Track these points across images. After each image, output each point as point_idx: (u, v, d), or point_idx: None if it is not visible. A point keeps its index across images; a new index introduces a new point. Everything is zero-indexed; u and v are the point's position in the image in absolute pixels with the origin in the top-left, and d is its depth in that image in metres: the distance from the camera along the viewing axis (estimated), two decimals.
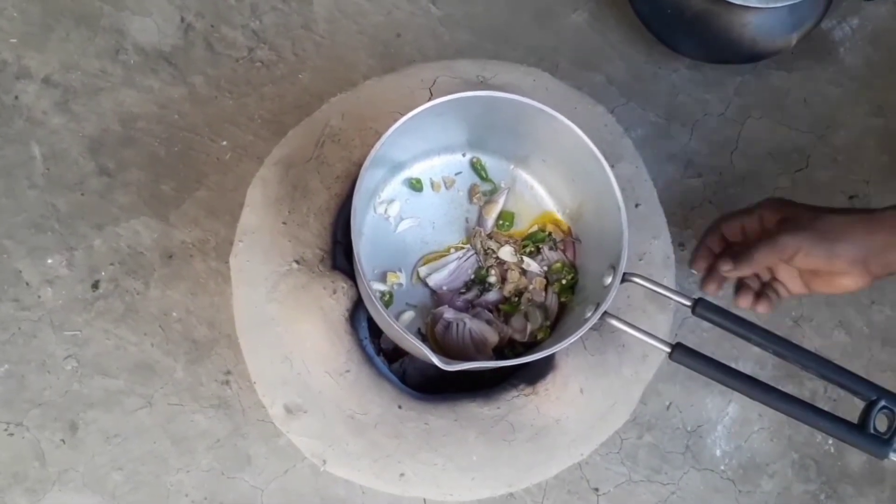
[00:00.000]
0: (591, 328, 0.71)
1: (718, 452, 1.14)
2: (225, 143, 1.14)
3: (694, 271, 0.87)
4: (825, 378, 0.69)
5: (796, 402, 0.66)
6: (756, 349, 0.74)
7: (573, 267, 0.87)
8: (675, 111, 1.22)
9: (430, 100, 0.73)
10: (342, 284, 0.80)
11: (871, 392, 0.66)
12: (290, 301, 0.80)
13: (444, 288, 0.85)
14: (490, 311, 0.85)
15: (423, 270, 0.85)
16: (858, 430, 0.64)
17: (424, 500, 1.05)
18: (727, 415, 1.15)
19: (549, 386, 0.79)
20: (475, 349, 0.80)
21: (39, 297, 1.08)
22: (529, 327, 0.83)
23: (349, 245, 0.88)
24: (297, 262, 0.82)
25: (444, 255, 0.87)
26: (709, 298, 0.74)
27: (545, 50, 1.23)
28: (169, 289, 1.09)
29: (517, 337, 0.83)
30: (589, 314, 0.73)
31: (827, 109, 1.25)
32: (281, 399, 0.80)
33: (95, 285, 1.09)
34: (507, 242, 0.87)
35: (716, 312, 0.72)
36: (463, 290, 0.86)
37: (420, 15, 1.21)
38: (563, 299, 0.86)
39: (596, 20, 1.25)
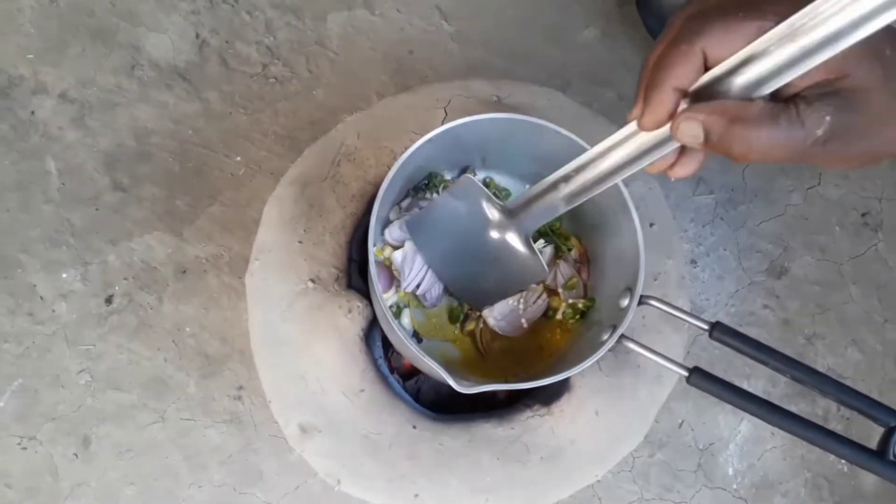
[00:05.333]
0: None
1: (731, 471, 1.13)
2: (239, 158, 1.14)
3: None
4: (843, 403, 0.68)
5: (814, 427, 0.66)
6: None
7: (585, 287, 0.87)
8: None
9: (444, 120, 0.73)
10: (357, 304, 0.80)
11: (890, 418, 0.66)
12: (306, 321, 0.80)
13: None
14: None
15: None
16: (878, 458, 0.63)
17: None
18: (739, 433, 1.14)
19: (565, 407, 0.79)
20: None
21: (54, 311, 1.09)
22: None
23: (364, 263, 0.88)
24: (312, 281, 0.82)
25: None
26: (726, 318, 0.73)
27: (557, 66, 1.23)
28: (182, 304, 1.10)
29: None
30: (605, 337, 0.72)
31: None
32: (296, 418, 0.80)
33: (109, 300, 1.09)
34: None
35: (733, 336, 0.71)
36: None
37: (433, 32, 1.22)
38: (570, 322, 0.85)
39: (607, 37, 1.25)
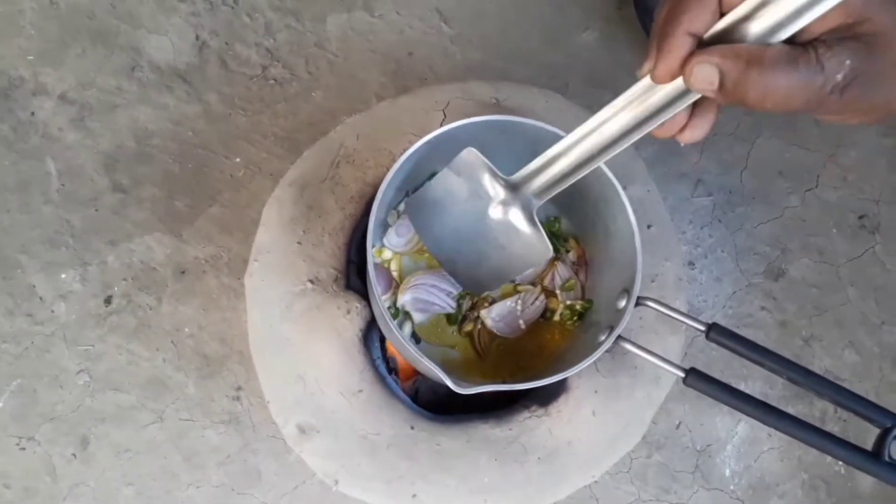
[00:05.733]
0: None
1: (728, 472, 1.14)
2: (238, 160, 1.15)
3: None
4: (839, 404, 0.68)
5: (811, 428, 0.66)
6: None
7: (582, 289, 0.87)
8: None
9: (443, 122, 0.73)
10: (356, 304, 0.80)
11: (885, 419, 0.66)
12: (305, 321, 0.81)
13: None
14: None
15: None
16: (873, 458, 0.64)
17: None
18: (736, 434, 1.15)
19: (562, 408, 0.80)
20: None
21: (53, 311, 1.09)
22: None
23: (363, 264, 0.89)
24: (311, 281, 0.83)
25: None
26: (723, 319, 0.73)
27: (556, 68, 1.24)
28: (181, 304, 1.10)
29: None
30: (603, 338, 0.73)
31: (837, 129, 1.25)
32: (294, 419, 0.80)
33: (108, 300, 1.10)
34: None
35: (729, 337, 0.72)
36: None
37: (432, 34, 1.22)
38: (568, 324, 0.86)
39: (606, 39, 1.26)
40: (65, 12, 1.17)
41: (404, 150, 0.72)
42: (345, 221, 0.86)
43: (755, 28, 0.38)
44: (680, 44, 0.40)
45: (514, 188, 0.66)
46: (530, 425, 0.81)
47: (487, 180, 0.67)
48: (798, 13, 0.37)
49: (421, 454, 0.80)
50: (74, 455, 1.05)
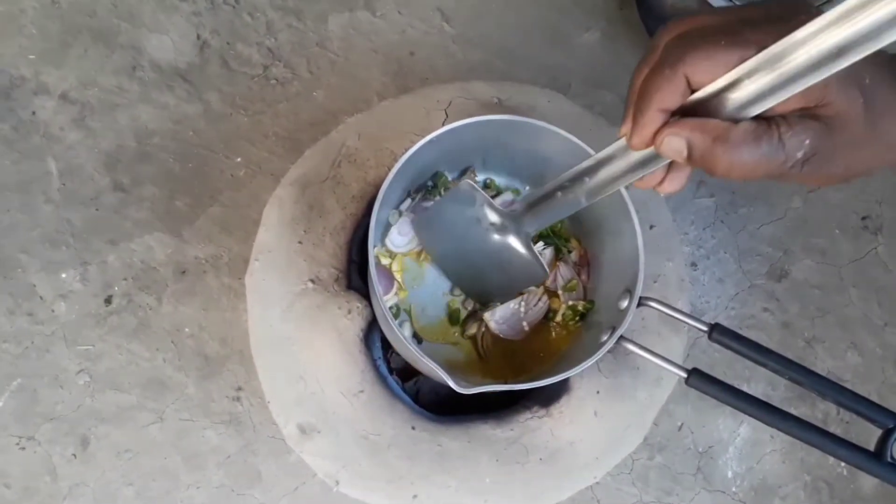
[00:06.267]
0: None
1: (730, 474, 1.13)
2: (239, 159, 1.15)
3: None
4: (841, 405, 0.68)
5: (813, 428, 0.66)
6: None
7: (584, 289, 0.87)
8: None
9: (445, 121, 0.73)
10: (357, 304, 0.80)
11: (888, 420, 0.66)
12: (306, 321, 0.80)
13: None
14: None
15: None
16: (876, 459, 0.64)
17: None
18: (739, 436, 1.14)
19: (564, 408, 0.79)
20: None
21: (53, 311, 1.09)
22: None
23: (364, 264, 0.89)
24: (312, 281, 0.82)
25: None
26: (726, 321, 0.73)
27: (557, 69, 1.23)
28: (181, 304, 1.10)
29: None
30: (605, 338, 0.72)
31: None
32: (295, 419, 0.80)
33: (109, 300, 1.09)
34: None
35: (732, 337, 0.71)
36: None
37: (434, 34, 1.22)
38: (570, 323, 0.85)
39: (608, 39, 1.26)
40: (66, 12, 1.17)
41: (406, 150, 0.72)
42: (346, 221, 0.86)
43: (722, 104, 0.41)
44: (652, 118, 0.43)
45: (508, 218, 0.72)
46: (532, 426, 0.80)
47: (486, 209, 0.73)
48: (759, 97, 0.39)
49: (422, 455, 0.79)
50: (74, 455, 1.05)
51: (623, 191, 0.75)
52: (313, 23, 1.21)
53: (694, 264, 1.17)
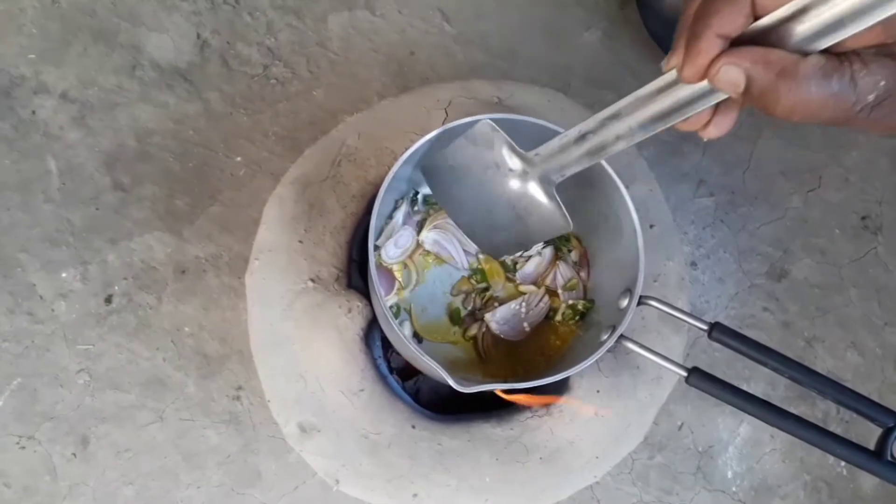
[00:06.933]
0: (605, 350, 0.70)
1: (730, 474, 1.13)
2: (239, 159, 1.15)
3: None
4: (841, 403, 0.68)
5: (813, 427, 0.66)
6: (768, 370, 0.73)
7: (584, 288, 0.87)
8: None
9: (445, 120, 0.73)
10: (357, 303, 0.80)
11: (888, 418, 0.66)
12: (306, 320, 0.80)
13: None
14: None
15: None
16: (876, 458, 0.64)
17: None
18: (739, 435, 1.14)
19: (564, 407, 0.79)
20: None
21: (53, 310, 1.08)
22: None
23: (364, 263, 0.89)
24: (312, 280, 0.82)
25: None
26: (726, 320, 0.73)
27: (558, 69, 1.23)
28: (181, 304, 1.10)
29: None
30: (605, 337, 0.72)
31: (839, 130, 1.25)
32: (295, 418, 0.80)
33: (109, 299, 1.09)
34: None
35: (732, 336, 0.71)
36: None
37: (434, 33, 1.22)
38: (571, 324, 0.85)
39: (609, 39, 1.26)
40: (66, 11, 1.17)
41: (406, 149, 0.72)
42: (346, 220, 0.86)
43: (790, 34, 0.37)
44: (709, 45, 0.38)
45: (532, 163, 0.64)
46: (532, 425, 0.80)
47: (505, 153, 0.66)
48: (839, 24, 0.35)
49: (422, 453, 0.79)
50: (74, 454, 1.05)
51: (623, 190, 0.75)
52: (313, 22, 1.21)
53: (694, 264, 1.17)
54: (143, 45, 1.18)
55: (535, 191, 0.66)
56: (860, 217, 1.24)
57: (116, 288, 1.10)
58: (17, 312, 1.08)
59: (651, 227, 0.89)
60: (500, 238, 0.73)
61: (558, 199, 0.65)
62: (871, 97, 0.35)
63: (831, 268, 1.23)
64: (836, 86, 0.35)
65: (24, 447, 1.05)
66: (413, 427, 0.80)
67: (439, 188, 0.73)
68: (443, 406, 0.87)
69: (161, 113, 1.16)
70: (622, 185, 0.75)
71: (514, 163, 0.66)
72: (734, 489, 1.13)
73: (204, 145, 1.15)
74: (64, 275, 1.09)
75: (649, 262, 0.86)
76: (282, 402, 0.81)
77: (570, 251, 0.89)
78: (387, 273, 0.84)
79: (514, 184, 0.67)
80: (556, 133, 0.75)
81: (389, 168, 0.73)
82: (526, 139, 0.78)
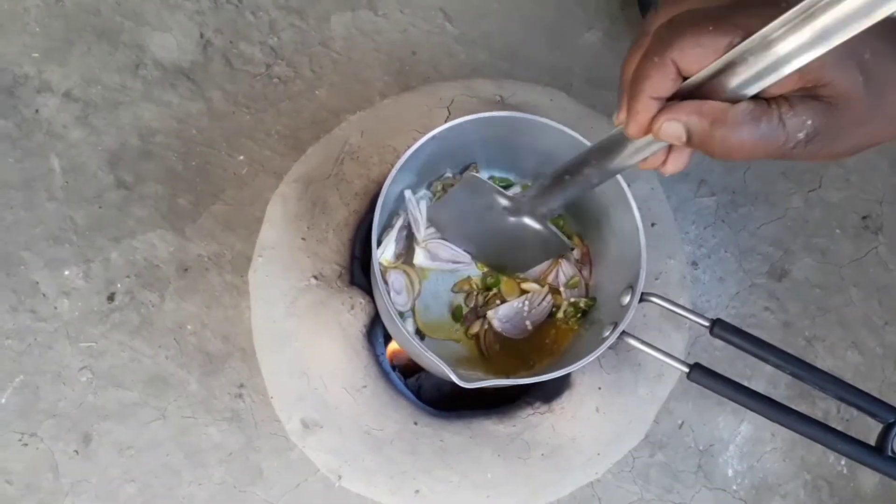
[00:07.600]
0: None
1: (730, 472, 1.14)
2: (242, 157, 1.15)
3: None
4: (842, 400, 0.68)
5: (814, 423, 0.66)
6: (769, 368, 0.74)
7: (586, 286, 0.87)
8: None
9: (447, 119, 0.73)
10: (360, 300, 0.80)
11: (888, 414, 0.66)
12: (309, 317, 0.81)
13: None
14: None
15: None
16: (877, 453, 0.64)
17: None
18: (739, 434, 1.14)
19: (565, 404, 0.80)
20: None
21: (56, 308, 1.09)
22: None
23: (367, 261, 0.89)
24: (315, 277, 0.83)
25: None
26: (727, 319, 0.73)
27: (559, 68, 1.24)
28: (184, 302, 1.10)
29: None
30: (606, 333, 0.73)
31: None
32: (298, 414, 0.80)
33: (111, 297, 1.10)
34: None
35: (733, 333, 0.72)
36: None
37: (436, 33, 1.23)
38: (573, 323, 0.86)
39: (610, 39, 1.26)
40: (70, 10, 1.18)
41: (409, 147, 0.73)
42: (349, 218, 0.86)
43: (723, 85, 0.40)
44: (646, 107, 0.42)
45: (519, 201, 0.73)
46: (533, 422, 0.81)
47: (494, 197, 0.74)
48: (757, 77, 0.39)
49: (424, 450, 0.80)
50: (77, 452, 1.05)
51: (626, 188, 0.75)
52: (316, 22, 1.21)
53: (695, 263, 1.18)
54: (147, 45, 1.18)
55: (531, 222, 0.75)
56: (861, 217, 1.24)
57: (119, 286, 1.10)
58: (19, 310, 1.08)
59: (653, 225, 0.90)
60: (508, 261, 0.84)
61: (552, 227, 0.74)
62: (800, 135, 0.39)
63: (832, 267, 1.23)
64: (766, 128, 0.39)
65: (26, 444, 1.05)
66: (415, 423, 0.80)
67: (446, 229, 0.83)
68: (445, 403, 0.87)
69: (164, 112, 1.16)
70: (624, 182, 0.75)
71: (504, 202, 0.74)
72: (735, 488, 1.13)
73: (207, 144, 1.15)
74: (67, 273, 1.10)
75: (651, 261, 0.86)
76: (284, 398, 0.81)
77: (572, 249, 0.89)
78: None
79: (511, 219, 0.76)
80: (560, 131, 0.76)
81: (392, 166, 0.73)
82: (528, 137, 0.79)
